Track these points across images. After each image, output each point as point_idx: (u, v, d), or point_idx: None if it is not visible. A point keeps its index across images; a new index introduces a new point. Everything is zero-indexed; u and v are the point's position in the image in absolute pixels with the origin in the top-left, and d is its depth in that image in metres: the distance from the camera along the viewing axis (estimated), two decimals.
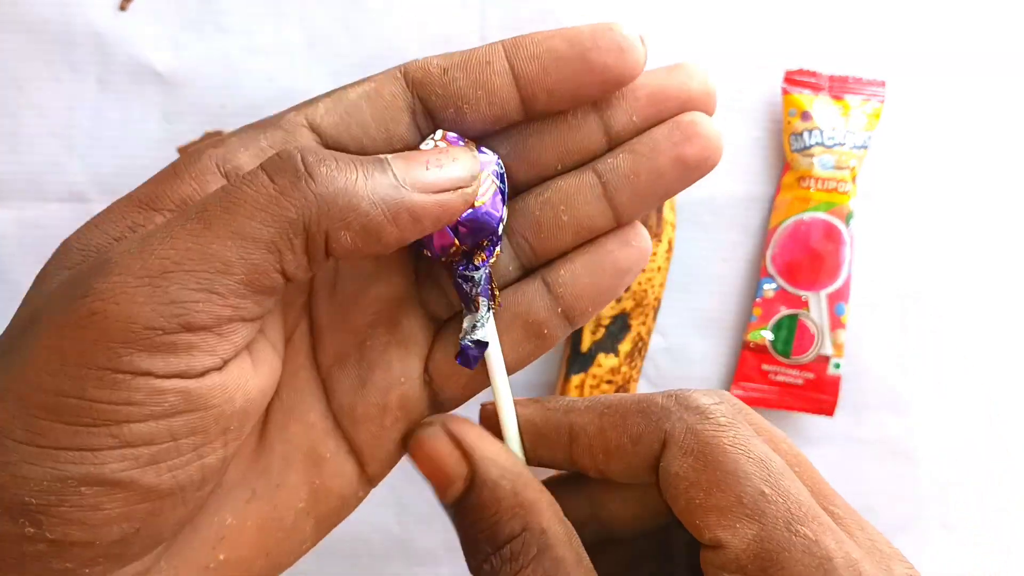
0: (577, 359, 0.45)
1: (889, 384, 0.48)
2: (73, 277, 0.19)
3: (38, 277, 0.21)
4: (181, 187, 0.21)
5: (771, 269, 0.47)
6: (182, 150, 0.46)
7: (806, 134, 0.47)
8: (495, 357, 0.24)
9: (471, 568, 0.22)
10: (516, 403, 0.25)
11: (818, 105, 0.47)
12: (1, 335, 0.21)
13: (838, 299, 0.47)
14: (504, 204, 0.23)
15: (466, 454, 0.22)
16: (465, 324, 0.24)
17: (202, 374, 0.19)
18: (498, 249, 0.24)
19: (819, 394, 0.47)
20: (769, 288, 0.47)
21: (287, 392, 0.24)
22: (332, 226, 0.19)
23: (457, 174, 0.21)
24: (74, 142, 0.47)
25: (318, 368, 0.25)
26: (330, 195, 0.19)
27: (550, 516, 0.21)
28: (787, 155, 0.48)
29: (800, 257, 0.47)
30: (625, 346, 0.46)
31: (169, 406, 0.19)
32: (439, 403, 0.25)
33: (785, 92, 0.47)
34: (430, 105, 0.23)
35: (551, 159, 0.24)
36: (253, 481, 0.23)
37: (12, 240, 0.47)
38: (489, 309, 0.24)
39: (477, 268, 0.23)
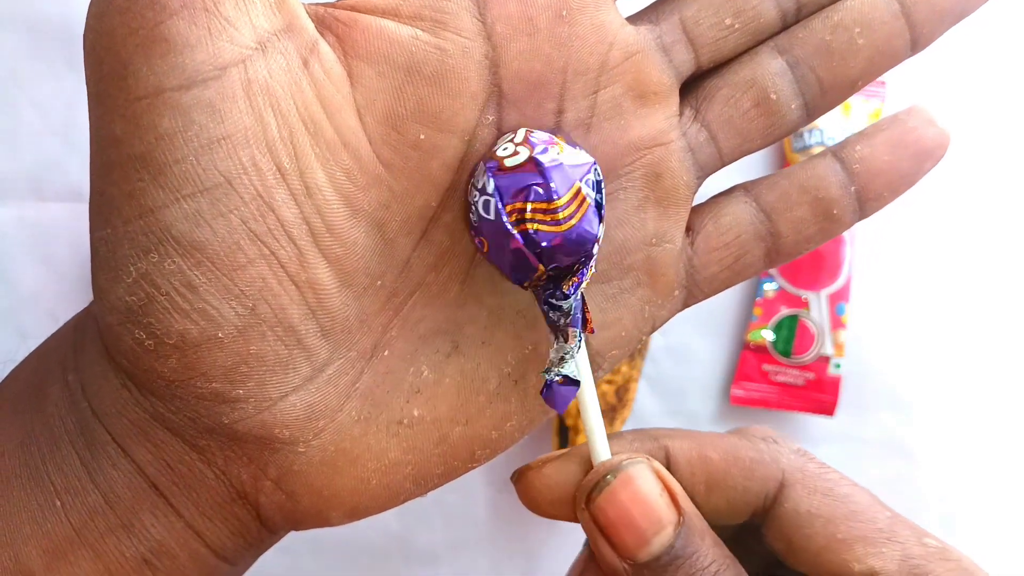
0: None
1: (889, 384, 0.48)
2: None
3: None
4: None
5: (771, 269, 0.47)
6: None
7: (806, 134, 0.47)
8: (588, 395, 0.21)
9: None
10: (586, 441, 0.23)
11: None
12: None
13: (839, 299, 0.47)
14: (601, 220, 0.20)
15: (675, 500, 0.20)
16: (552, 355, 0.20)
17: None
18: (591, 270, 0.20)
19: (820, 394, 0.47)
20: (769, 288, 0.47)
21: None
22: None
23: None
24: (74, 141, 0.47)
25: None
26: None
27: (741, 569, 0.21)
28: (787, 155, 0.48)
29: (800, 257, 0.47)
30: None
31: None
32: (697, 283, 0.23)
33: None
34: None
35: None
36: (456, 332, 0.21)
37: (12, 240, 0.47)
38: (581, 340, 0.20)
39: (566, 296, 0.20)
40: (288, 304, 0.19)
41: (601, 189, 0.20)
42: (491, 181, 0.19)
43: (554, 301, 0.20)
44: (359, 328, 0.20)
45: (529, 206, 0.19)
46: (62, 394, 0.20)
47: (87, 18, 0.18)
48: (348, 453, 0.20)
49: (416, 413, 0.21)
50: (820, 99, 0.23)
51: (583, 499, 0.21)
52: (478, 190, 0.20)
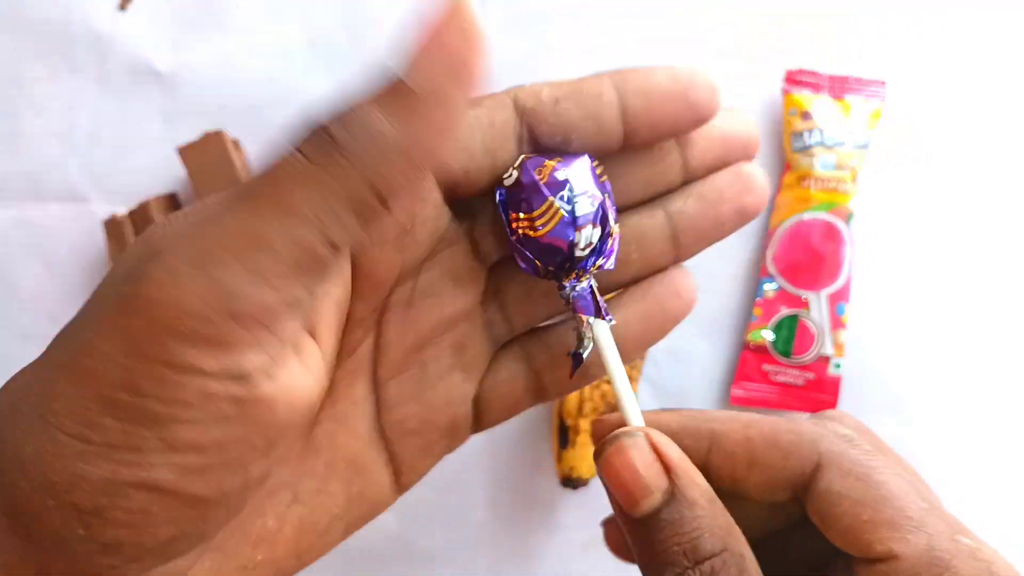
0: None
1: (889, 384, 0.48)
2: (129, 261, 0.19)
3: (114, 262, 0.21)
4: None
5: (771, 269, 0.47)
6: (182, 150, 0.46)
7: (806, 134, 0.47)
8: (616, 370, 0.24)
9: None
10: (646, 412, 0.25)
11: (818, 105, 0.47)
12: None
13: (839, 299, 0.47)
14: (577, 229, 0.24)
15: (667, 468, 0.22)
16: (574, 337, 0.24)
17: (251, 377, 0.19)
18: (594, 267, 0.24)
19: (820, 394, 0.47)
20: (770, 288, 0.47)
21: (342, 403, 0.24)
22: (368, 189, 0.19)
23: (457, 38, 0.21)
24: (74, 142, 0.47)
25: (376, 382, 0.25)
26: (359, 158, 0.19)
27: (744, 543, 0.22)
28: (787, 155, 0.48)
29: (801, 257, 0.47)
30: None
31: (218, 411, 0.19)
32: (480, 423, 0.27)
33: (785, 92, 0.47)
34: (537, 132, 0.23)
35: (637, 189, 0.25)
36: (296, 485, 0.24)
37: (12, 240, 0.47)
38: (592, 324, 0.24)
39: (563, 288, 0.24)
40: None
41: (573, 202, 0.23)
42: (497, 197, 0.24)
43: (559, 292, 0.24)
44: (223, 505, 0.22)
45: (520, 215, 0.23)
46: None
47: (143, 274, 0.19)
48: None
49: (259, 558, 0.23)
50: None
51: (596, 455, 0.23)
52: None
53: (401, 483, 0.26)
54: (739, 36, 0.48)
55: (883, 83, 0.48)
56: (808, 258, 0.47)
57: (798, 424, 0.24)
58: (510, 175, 0.24)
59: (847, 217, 0.47)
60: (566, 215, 0.23)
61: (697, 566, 0.21)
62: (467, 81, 0.20)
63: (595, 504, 0.48)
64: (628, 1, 0.48)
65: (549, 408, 0.48)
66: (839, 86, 0.47)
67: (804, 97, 0.47)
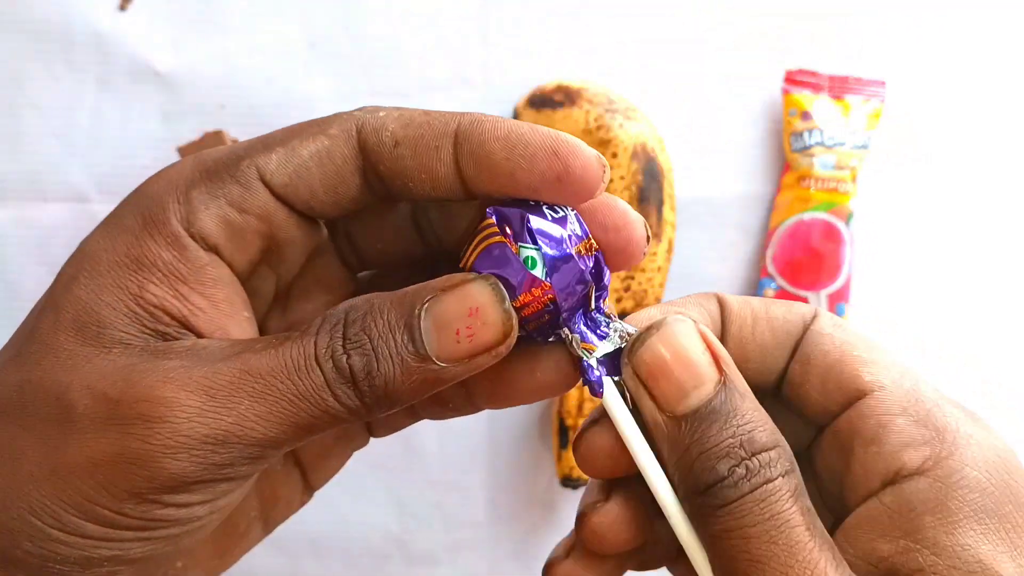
0: None
1: None
2: (117, 386, 0.20)
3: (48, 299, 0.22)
4: (162, 253, 0.21)
5: (771, 269, 0.47)
6: (182, 150, 0.46)
7: (806, 134, 0.47)
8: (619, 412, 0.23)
9: (702, 477, 0.20)
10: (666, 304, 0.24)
11: (818, 105, 0.47)
12: (13, 338, 0.22)
13: (838, 299, 0.47)
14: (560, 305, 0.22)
15: (718, 360, 0.21)
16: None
17: (200, 515, 0.21)
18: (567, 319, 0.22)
19: None
20: (769, 288, 0.47)
21: None
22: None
23: (489, 339, 0.20)
24: (74, 142, 0.47)
25: None
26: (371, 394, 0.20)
27: (787, 443, 0.21)
28: (787, 155, 0.48)
29: (800, 257, 0.47)
30: None
31: (176, 532, 0.21)
32: (375, 428, 0.27)
33: (785, 92, 0.47)
34: (379, 172, 0.22)
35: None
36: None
37: (12, 240, 0.47)
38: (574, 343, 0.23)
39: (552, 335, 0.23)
40: None
41: (542, 258, 0.22)
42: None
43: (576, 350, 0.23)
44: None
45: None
46: None
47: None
48: None
49: (179, 565, 0.23)
50: None
51: (627, 355, 0.22)
52: None
53: (310, 483, 0.26)
54: (739, 36, 0.48)
55: (883, 83, 0.48)
56: (808, 258, 0.47)
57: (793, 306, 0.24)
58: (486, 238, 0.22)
59: (847, 217, 0.47)
60: (545, 311, 0.22)
61: (755, 456, 0.20)
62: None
63: None
64: (628, 1, 0.48)
65: (549, 408, 0.48)
66: (839, 86, 0.47)
67: (804, 97, 0.47)
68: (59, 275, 0.22)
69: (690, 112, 0.48)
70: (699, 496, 0.20)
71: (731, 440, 0.20)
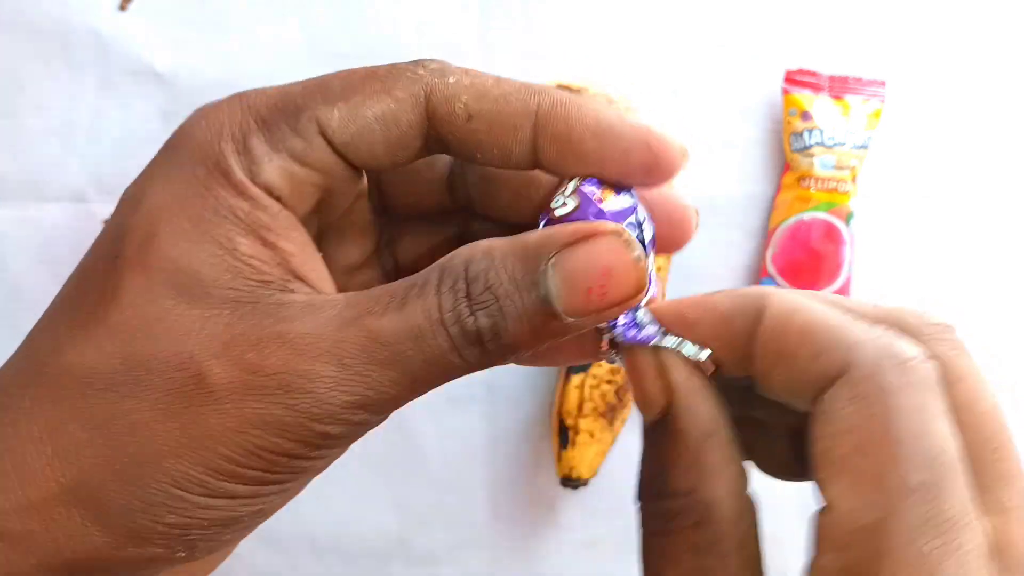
0: None
1: None
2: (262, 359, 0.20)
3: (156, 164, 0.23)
4: (239, 203, 0.21)
5: (771, 269, 0.47)
6: None
7: (806, 134, 0.47)
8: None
9: (639, 492, 0.21)
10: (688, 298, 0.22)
11: (818, 105, 0.47)
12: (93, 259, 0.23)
13: None
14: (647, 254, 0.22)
15: (668, 388, 0.21)
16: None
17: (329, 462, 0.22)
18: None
19: None
20: None
21: None
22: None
23: (623, 294, 0.20)
24: (74, 142, 0.47)
25: None
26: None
27: (726, 489, 0.20)
28: (787, 155, 0.48)
29: (800, 257, 0.47)
30: None
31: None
32: None
33: (785, 92, 0.47)
34: (446, 140, 0.22)
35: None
36: None
37: (12, 240, 0.47)
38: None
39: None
40: None
41: (642, 227, 0.22)
42: (542, 225, 0.22)
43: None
44: None
45: None
46: None
47: None
48: None
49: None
50: None
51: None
52: None
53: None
54: (739, 36, 0.48)
55: (883, 83, 0.48)
56: (808, 258, 0.47)
57: (842, 323, 0.20)
58: (562, 204, 0.22)
59: (847, 217, 0.47)
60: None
61: (660, 499, 0.20)
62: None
63: (595, 504, 0.48)
64: (628, 1, 0.48)
65: (549, 408, 0.48)
66: (839, 86, 0.47)
67: (804, 97, 0.47)
68: (123, 232, 0.21)
69: (690, 112, 0.48)
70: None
71: (655, 471, 0.20)
